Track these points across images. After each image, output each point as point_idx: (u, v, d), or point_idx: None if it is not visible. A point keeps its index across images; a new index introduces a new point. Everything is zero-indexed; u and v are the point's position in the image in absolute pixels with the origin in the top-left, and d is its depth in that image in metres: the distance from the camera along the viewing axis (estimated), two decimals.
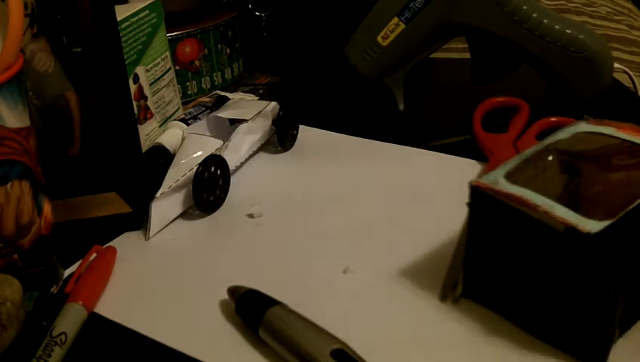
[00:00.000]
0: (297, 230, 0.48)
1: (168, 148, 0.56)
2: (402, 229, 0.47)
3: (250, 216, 0.50)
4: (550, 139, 0.40)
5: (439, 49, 0.65)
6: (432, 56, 0.70)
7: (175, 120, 0.58)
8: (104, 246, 0.46)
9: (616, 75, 0.66)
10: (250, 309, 0.38)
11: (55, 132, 0.47)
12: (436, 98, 0.70)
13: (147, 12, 0.57)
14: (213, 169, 0.50)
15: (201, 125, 0.56)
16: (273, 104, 0.58)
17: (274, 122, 0.58)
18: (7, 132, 0.37)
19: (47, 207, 0.41)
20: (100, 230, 0.48)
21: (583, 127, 0.41)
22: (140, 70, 0.57)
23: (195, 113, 0.60)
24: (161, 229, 0.48)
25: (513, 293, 0.37)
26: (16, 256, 0.39)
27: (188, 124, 0.57)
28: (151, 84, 0.59)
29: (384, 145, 0.59)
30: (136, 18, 0.56)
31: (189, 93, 0.69)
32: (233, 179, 0.54)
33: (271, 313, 0.36)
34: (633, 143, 0.39)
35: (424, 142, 0.59)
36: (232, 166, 0.53)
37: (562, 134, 0.41)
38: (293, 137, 0.60)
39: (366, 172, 0.55)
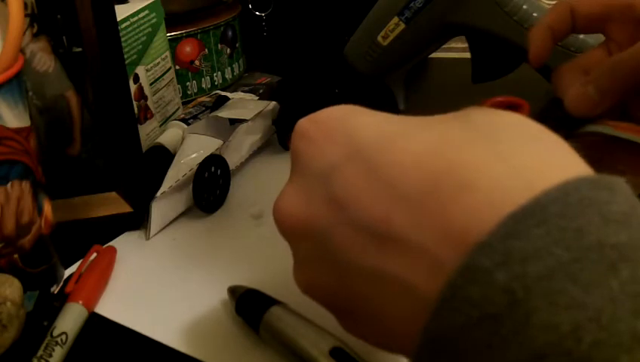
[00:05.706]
0: None
1: (168, 148, 0.56)
2: None
3: (251, 216, 0.49)
4: None
5: (439, 49, 0.65)
6: (432, 56, 0.69)
7: (175, 120, 0.58)
8: (104, 246, 0.46)
9: None
10: (250, 309, 0.38)
11: (55, 132, 0.47)
12: (436, 98, 0.70)
13: (147, 12, 0.57)
14: (213, 169, 0.50)
15: (201, 125, 0.56)
16: (273, 104, 0.58)
17: (274, 122, 0.58)
18: (7, 132, 0.37)
19: (47, 207, 0.41)
20: (100, 230, 0.48)
21: (582, 126, 0.41)
22: (140, 70, 0.57)
23: (195, 113, 0.60)
24: (162, 229, 0.48)
25: None
26: (16, 255, 0.39)
27: (188, 124, 0.57)
28: (151, 84, 0.59)
29: None
30: (136, 18, 0.56)
31: (189, 93, 0.69)
32: (233, 179, 0.54)
33: (271, 313, 0.36)
34: (632, 142, 0.39)
35: None
36: (232, 166, 0.53)
37: None
38: None
39: None
